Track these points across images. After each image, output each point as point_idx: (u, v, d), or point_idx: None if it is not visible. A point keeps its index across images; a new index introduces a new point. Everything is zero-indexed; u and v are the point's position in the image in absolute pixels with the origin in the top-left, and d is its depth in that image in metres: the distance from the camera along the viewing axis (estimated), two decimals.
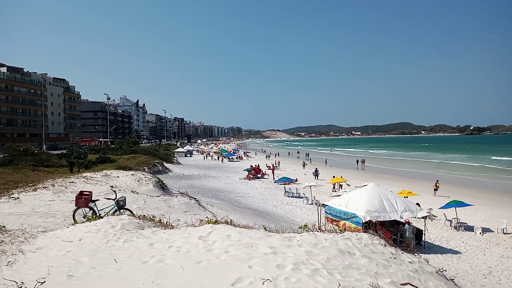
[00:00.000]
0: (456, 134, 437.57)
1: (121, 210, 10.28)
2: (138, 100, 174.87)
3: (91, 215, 9.80)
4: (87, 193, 10.45)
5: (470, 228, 19.26)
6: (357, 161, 59.56)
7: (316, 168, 42.78)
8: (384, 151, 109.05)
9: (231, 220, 11.53)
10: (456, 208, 20.10)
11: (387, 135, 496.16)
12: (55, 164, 30.82)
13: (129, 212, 10.24)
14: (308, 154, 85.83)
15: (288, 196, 28.05)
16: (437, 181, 31.51)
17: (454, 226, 19.50)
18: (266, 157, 72.03)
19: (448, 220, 20.21)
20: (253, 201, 25.20)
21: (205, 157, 70.26)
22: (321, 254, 5.05)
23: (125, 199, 10.69)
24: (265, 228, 6.58)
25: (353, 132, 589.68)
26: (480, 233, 18.36)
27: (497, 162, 61.54)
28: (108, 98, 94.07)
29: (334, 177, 33.34)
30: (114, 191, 11.57)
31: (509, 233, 18.25)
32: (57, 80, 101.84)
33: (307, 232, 6.11)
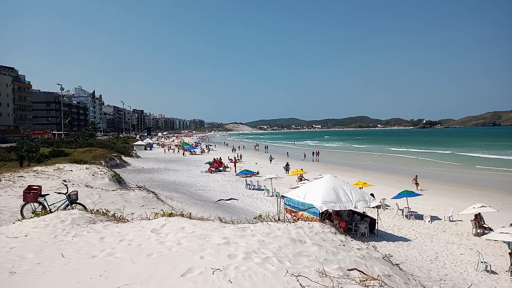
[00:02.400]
0: (410, 127, 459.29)
1: (73, 205, 9.92)
2: (94, 91, 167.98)
3: (40, 210, 9.40)
4: (36, 187, 9.99)
5: (420, 217, 20.39)
6: (313, 152, 62.72)
7: (287, 162, 43.01)
8: (350, 144, 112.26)
9: (189, 213, 11.52)
10: (408, 198, 21.16)
11: (345, 128, 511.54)
12: (3, 158, 29.07)
13: (82, 207, 9.91)
14: (267, 146, 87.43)
15: (250, 189, 28.26)
16: (416, 176, 30.72)
17: (405, 215, 20.55)
18: (232, 150, 71.81)
19: (400, 209, 21.26)
20: (214, 194, 25.14)
21: (166, 150, 69.01)
22: (273, 243, 5.17)
23: (77, 193, 10.33)
24: (220, 220, 6.63)
25: (313, 125, 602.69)
26: (429, 221, 19.49)
27: (443, 155, 65.57)
28: (62, 89, 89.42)
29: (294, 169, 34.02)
30: (66, 185, 11.13)
31: (455, 221, 19.52)
32: (4, 68, 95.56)
33: (261, 223, 6.22)
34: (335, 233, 6.17)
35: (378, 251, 6.55)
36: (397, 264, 6.45)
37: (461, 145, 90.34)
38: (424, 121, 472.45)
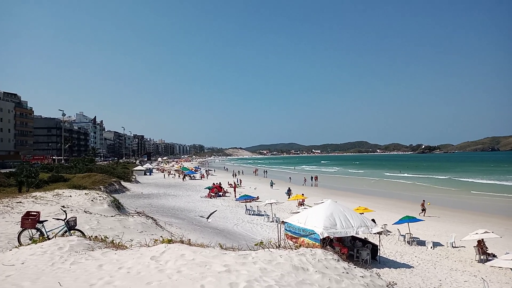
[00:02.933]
0: (409, 152, 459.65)
1: (71, 231, 9.80)
2: (95, 116, 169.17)
3: (38, 236, 9.27)
4: (35, 213, 9.90)
5: (422, 243, 20.10)
6: (311, 177, 63.11)
7: (289, 188, 42.79)
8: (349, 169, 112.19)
9: (189, 239, 11.36)
10: (409, 223, 20.93)
11: (345, 153, 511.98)
12: (2, 184, 28.91)
13: (80, 233, 9.79)
14: (266, 171, 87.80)
15: (249, 214, 27.98)
16: (424, 201, 29.78)
17: (407, 241, 20.26)
18: (233, 175, 71.56)
19: (402, 235, 20.98)
20: (213, 220, 24.85)
21: (166, 175, 68.76)
22: (275, 270, 5.08)
23: (75, 219, 10.23)
24: (221, 246, 6.52)
25: (313, 150, 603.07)
26: (431, 247, 19.19)
27: (440, 180, 65.47)
28: (64, 114, 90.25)
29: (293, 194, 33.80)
30: (64, 211, 11.03)
31: (457, 247, 19.22)
32: (7, 95, 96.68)
33: (263, 249, 6.12)
34: (338, 260, 6.07)
35: (382, 278, 6.42)
36: None
37: (459, 170, 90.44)
38: (423, 146, 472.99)
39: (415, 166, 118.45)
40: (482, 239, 17.23)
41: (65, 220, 9.89)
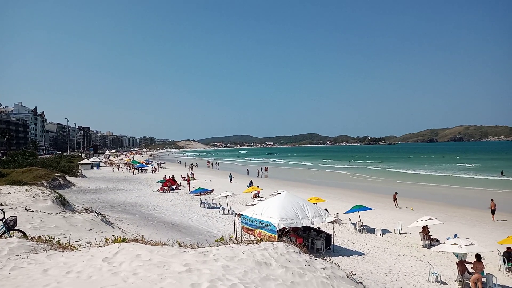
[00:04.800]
0: (356, 144, 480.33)
1: (10, 232, 8.94)
2: (36, 107, 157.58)
3: None
4: None
5: (371, 230, 20.98)
6: (261, 168, 64.87)
7: (251, 181, 42.67)
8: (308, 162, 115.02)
9: (142, 236, 10.83)
10: (359, 212, 21.73)
11: (297, 145, 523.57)
12: None
13: (21, 234, 8.96)
14: (218, 163, 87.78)
15: (204, 207, 27.59)
16: (396, 193, 30.28)
17: (358, 229, 21.05)
18: (190, 168, 70.02)
19: (353, 223, 21.76)
20: (167, 214, 24.20)
21: (115, 169, 65.99)
22: (238, 267, 4.89)
23: (15, 218, 9.35)
24: (179, 244, 6.22)
25: (266, 142, 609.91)
26: (380, 234, 20.09)
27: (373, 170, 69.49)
28: None
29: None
30: (2, 210, 10.03)
31: (404, 233, 20.29)
32: None
33: (224, 245, 5.91)
34: (300, 253, 6.02)
35: (341, 269, 6.49)
36: (360, 282, 6.42)
37: (400, 161, 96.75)
38: (369, 138, 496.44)
39: (361, 157, 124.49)
40: (427, 226, 18.30)
41: (3, 220, 9.00)
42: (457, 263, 13.36)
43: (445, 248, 13.57)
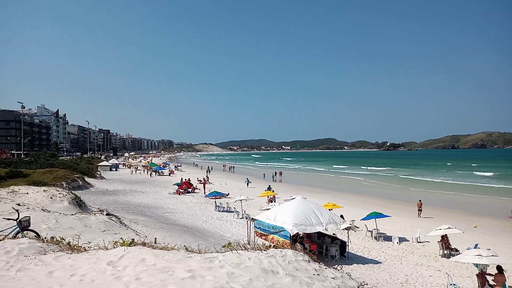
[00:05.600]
0: (375, 149, 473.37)
1: (24, 232, 9.06)
2: (58, 110, 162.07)
3: None
4: None
5: (388, 238, 20.48)
6: (275, 173, 64.94)
7: (269, 185, 42.28)
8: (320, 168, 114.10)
9: (155, 239, 10.83)
10: (376, 219, 21.27)
11: (314, 150, 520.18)
12: None
13: (34, 234, 9.07)
14: (233, 167, 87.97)
15: (219, 211, 27.57)
16: (420, 201, 28.72)
17: (374, 237, 20.58)
18: (207, 171, 70.37)
19: (369, 231, 21.30)
20: (182, 217, 24.29)
21: (133, 172, 66.90)
22: (244, 275, 4.76)
23: (29, 219, 9.47)
24: (186, 249, 6.13)
25: (283, 146, 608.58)
26: (397, 242, 19.59)
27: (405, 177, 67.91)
28: (23, 107, 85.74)
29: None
30: (17, 210, 10.20)
31: (422, 242, 19.72)
32: None
33: (231, 251, 5.79)
34: (309, 261, 5.84)
35: (353, 278, 6.26)
36: None
37: (419, 167, 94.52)
38: (388, 144, 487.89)
39: (380, 163, 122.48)
40: (446, 235, 17.73)
41: (17, 220, 9.13)
42: (477, 275, 12.84)
43: (465, 258, 13.05)
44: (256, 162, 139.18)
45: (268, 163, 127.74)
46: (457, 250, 17.15)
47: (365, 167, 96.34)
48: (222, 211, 27.47)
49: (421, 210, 28.02)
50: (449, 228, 17.54)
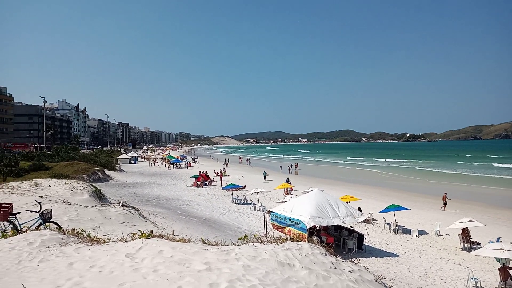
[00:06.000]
0: (394, 141, 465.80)
1: (46, 224, 9.31)
2: (78, 103, 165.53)
3: (10, 230, 8.76)
4: (7, 205, 9.34)
5: (407, 231, 20.18)
6: (291, 165, 64.55)
7: (288, 178, 41.85)
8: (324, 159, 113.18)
9: (173, 230, 10.97)
10: (395, 212, 20.97)
11: (331, 142, 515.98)
12: None
13: (56, 226, 9.31)
14: (249, 159, 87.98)
15: (236, 203, 27.73)
16: (445, 194, 27.41)
17: (393, 230, 20.32)
18: (225, 163, 70.91)
19: (387, 223, 21.03)
20: (199, 209, 24.54)
21: (152, 164, 67.88)
22: (260, 268, 4.76)
23: (51, 211, 9.72)
24: (203, 241, 6.17)
25: (300, 138, 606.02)
26: (416, 235, 19.29)
27: (426, 168, 66.49)
28: (45, 101, 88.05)
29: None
30: (39, 202, 10.48)
31: (442, 235, 19.37)
32: None
33: (247, 244, 5.80)
34: (325, 255, 5.80)
35: (370, 272, 6.19)
36: (390, 287, 6.09)
37: (436, 158, 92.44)
38: (408, 135, 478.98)
39: (397, 154, 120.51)
40: (467, 228, 17.35)
41: (40, 212, 9.38)
42: (499, 269, 12.52)
43: (487, 252, 12.75)
44: (271, 155, 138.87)
45: (284, 155, 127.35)
46: (478, 244, 16.78)
47: (383, 159, 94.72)
48: (239, 204, 27.61)
49: (446, 203, 26.79)
50: (470, 221, 17.14)
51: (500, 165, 66.35)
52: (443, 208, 26.72)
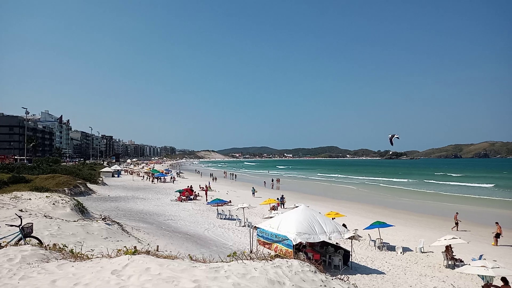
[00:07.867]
0: (377, 158, 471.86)
1: (27, 239, 9.00)
2: (62, 115, 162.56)
3: None
4: None
5: (392, 248, 20.27)
6: (272, 180, 65.72)
7: (282, 195, 38.47)
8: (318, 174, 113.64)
9: (157, 246, 10.75)
10: (379, 228, 21.08)
11: (316, 158, 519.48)
12: None
13: (37, 241, 9.01)
14: (235, 175, 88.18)
15: (221, 219, 27.43)
16: (457, 213, 26.95)
17: (378, 246, 20.38)
18: (213, 179, 69.90)
19: (373, 240, 21.11)
20: (184, 224, 24.17)
21: (135, 178, 66.83)
22: (250, 285, 4.68)
23: (32, 225, 9.41)
24: (190, 257, 6.06)
25: (285, 154, 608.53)
26: (401, 252, 19.38)
27: (408, 184, 67.47)
28: (27, 113, 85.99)
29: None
30: (19, 216, 10.15)
31: (426, 252, 19.51)
32: None
33: (236, 261, 5.71)
34: (315, 272, 5.75)
35: None
36: None
37: (417, 176, 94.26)
38: (391, 152, 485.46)
39: (382, 171, 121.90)
40: (450, 245, 17.54)
41: (20, 227, 9.07)
42: (482, 286, 12.67)
43: (470, 269, 12.89)
44: (254, 170, 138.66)
45: (269, 171, 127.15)
46: (461, 261, 16.97)
47: (363, 177, 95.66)
48: (224, 219, 27.33)
49: (457, 223, 25.98)
50: (453, 238, 17.34)
51: (479, 184, 67.57)
52: (455, 228, 25.86)
